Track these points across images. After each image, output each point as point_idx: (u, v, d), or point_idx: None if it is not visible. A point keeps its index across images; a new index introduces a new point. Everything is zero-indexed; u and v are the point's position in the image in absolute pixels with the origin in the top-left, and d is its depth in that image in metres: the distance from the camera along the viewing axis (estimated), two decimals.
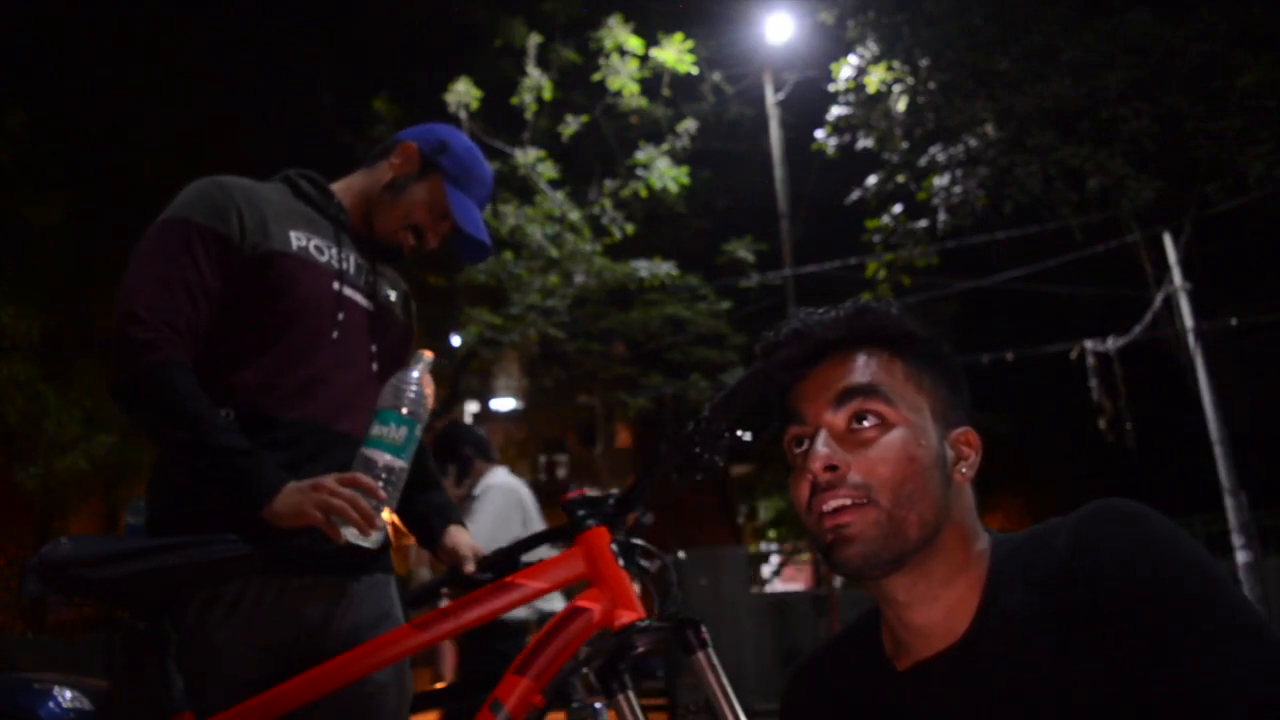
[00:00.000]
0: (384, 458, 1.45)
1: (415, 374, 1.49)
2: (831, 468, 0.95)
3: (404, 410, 1.46)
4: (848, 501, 0.95)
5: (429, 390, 1.49)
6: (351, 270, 1.70)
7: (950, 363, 1.04)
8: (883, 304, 1.04)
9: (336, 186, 1.79)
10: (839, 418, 0.98)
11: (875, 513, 0.94)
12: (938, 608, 0.95)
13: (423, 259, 12.24)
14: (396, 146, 1.79)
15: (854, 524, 0.94)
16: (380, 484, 1.44)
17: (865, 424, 0.97)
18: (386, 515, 1.46)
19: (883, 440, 0.96)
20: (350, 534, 1.43)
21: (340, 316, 1.64)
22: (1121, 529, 0.87)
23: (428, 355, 1.52)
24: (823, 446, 0.96)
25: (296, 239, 1.63)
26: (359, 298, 1.69)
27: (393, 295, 1.80)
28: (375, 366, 1.69)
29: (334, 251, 1.68)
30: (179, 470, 1.56)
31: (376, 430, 1.46)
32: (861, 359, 1.00)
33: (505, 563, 1.50)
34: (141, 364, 1.46)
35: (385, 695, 1.61)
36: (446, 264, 11.81)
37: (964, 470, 0.99)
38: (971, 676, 0.92)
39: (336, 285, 1.66)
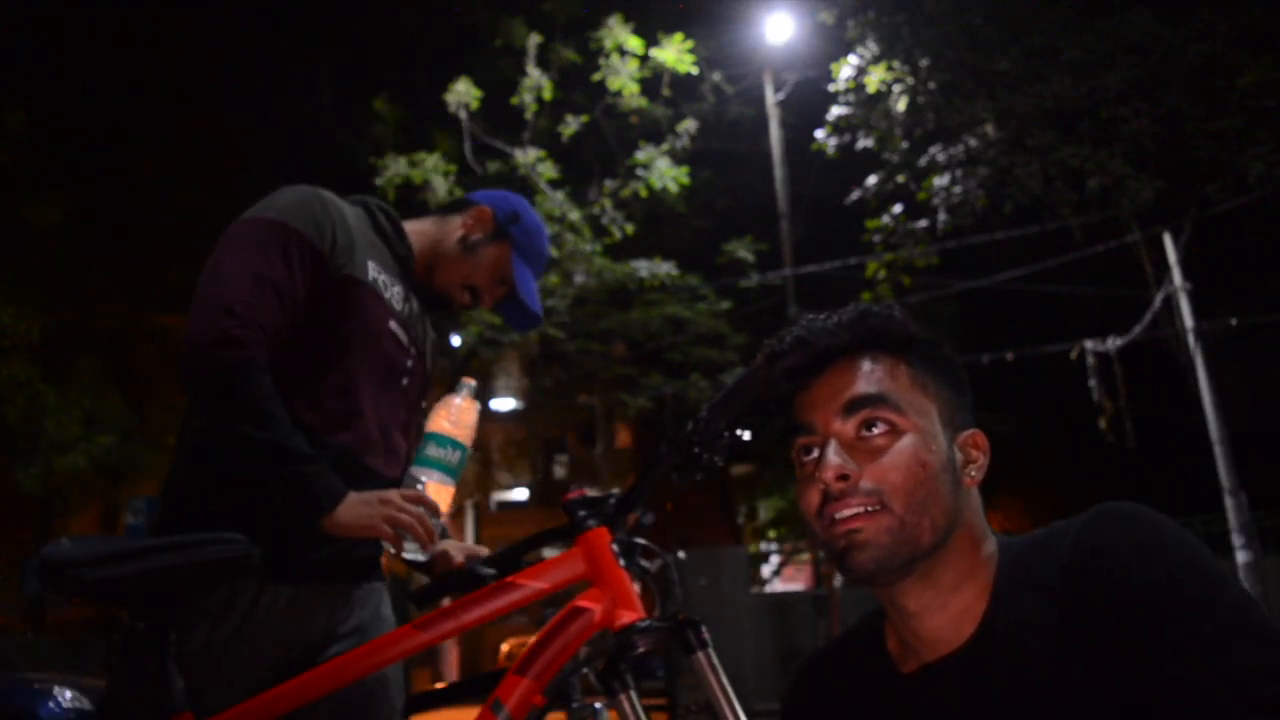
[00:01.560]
0: (435, 476, 1.52)
1: (461, 400, 1.55)
2: (844, 477, 0.95)
3: (459, 435, 1.54)
4: (861, 509, 0.95)
5: (474, 417, 1.56)
6: (406, 313, 1.71)
7: (953, 364, 1.03)
8: (884, 306, 1.02)
9: (407, 227, 1.80)
10: (848, 426, 0.97)
11: (889, 519, 0.94)
12: (947, 614, 0.95)
13: None
14: (471, 207, 1.82)
15: (866, 529, 0.94)
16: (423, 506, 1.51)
17: (875, 431, 0.96)
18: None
19: (894, 447, 0.95)
20: (411, 548, 1.48)
21: (393, 355, 1.67)
22: (1124, 532, 0.87)
23: (470, 382, 1.59)
24: (834, 455, 0.96)
25: (373, 269, 1.65)
26: (406, 341, 1.71)
27: (427, 344, 1.83)
28: (402, 411, 1.71)
29: (396, 290, 1.70)
30: (202, 472, 1.56)
31: (434, 452, 1.53)
32: (866, 365, 0.99)
33: (507, 563, 1.50)
34: (229, 359, 1.45)
35: (385, 689, 1.62)
36: None
37: (973, 473, 0.98)
38: (977, 681, 0.91)
39: (393, 324, 1.67)
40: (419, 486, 1.50)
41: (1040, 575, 0.91)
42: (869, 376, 0.99)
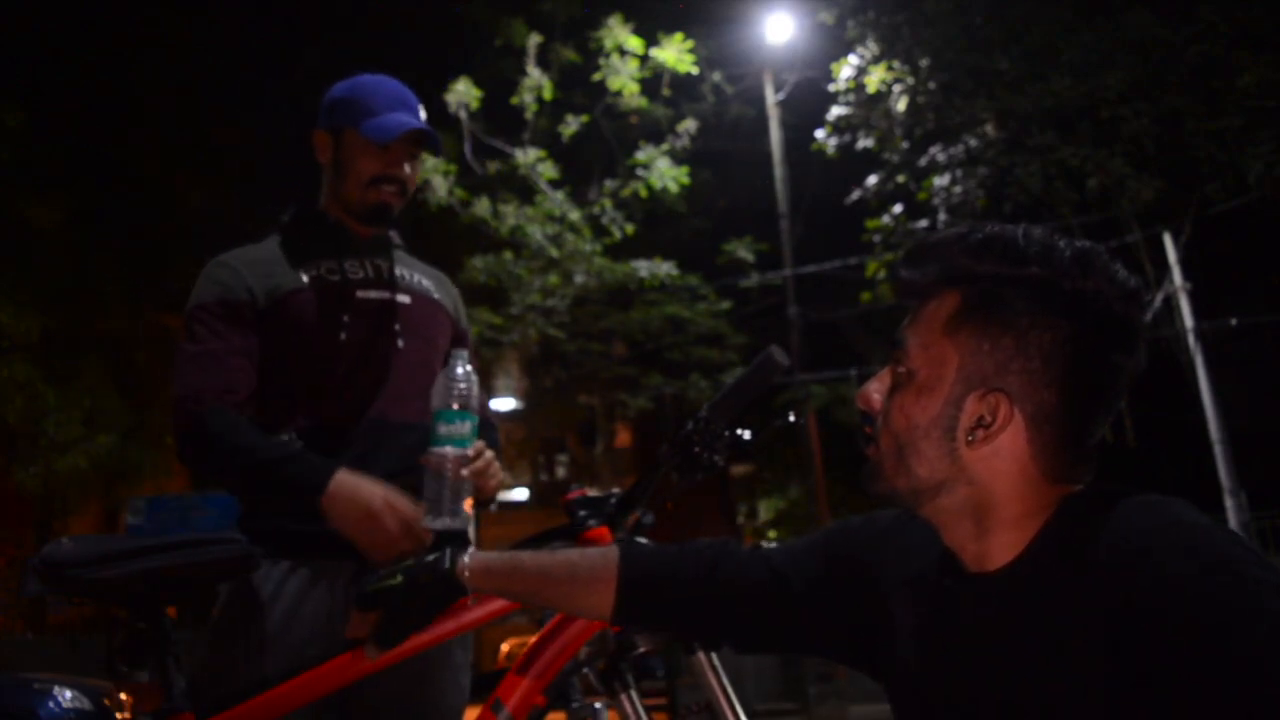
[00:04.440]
0: (452, 451, 1.53)
1: (459, 369, 1.56)
2: (871, 397, 1.00)
3: (458, 405, 1.55)
4: (869, 433, 1.00)
5: (475, 384, 1.58)
6: (371, 275, 1.77)
7: (1024, 312, 0.91)
8: (982, 234, 0.96)
9: (323, 203, 1.84)
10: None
11: (875, 453, 0.98)
12: (977, 548, 0.94)
13: (422, 259, 12.21)
14: (314, 144, 1.85)
15: (869, 458, 0.99)
16: (448, 478, 1.53)
17: (899, 369, 0.98)
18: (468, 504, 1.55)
19: (898, 387, 0.97)
20: (431, 520, 1.52)
21: (369, 323, 1.72)
22: (1167, 537, 0.81)
23: (462, 351, 1.59)
24: (872, 379, 1.01)
25: (305, 272, 1.73)
26: (390, 296, 1.77)
27: (425, 284, 1.86)
28: (402, 344, 1.75)
29: (347, 265, 1.76)
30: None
31: (443, 429, 1.53)
32: (929, 305, 0.97)
33: None
34: (188, 429, 1.59)
35: (430, 687, 1.64)
36: (446, 264, 11.80)
37: (973, 439, 0.92)
38: (999, 605, 0.91)
39: (362, 294, 1.74)
40: (447, 468, 1.53)
41: (1078, 549, 0.87)
42: (914, 317, 0.98)
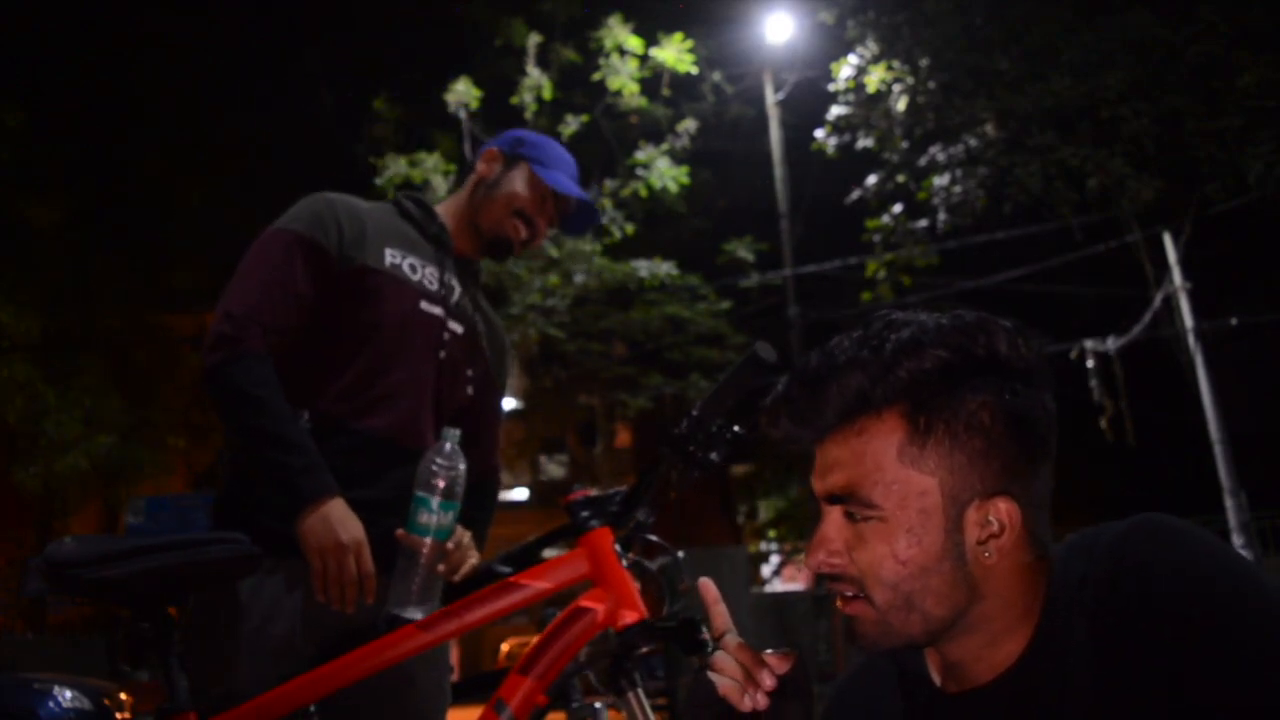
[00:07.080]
0: (427, 542, 1.50)
1: (448, 448, 1.52)
2: (831, 563, 0.90)
3: (443, 493, 1.51)
4: (849, 594, 0.89)
5: (463, 466, 1.53)
6: (441, 290, 1.78)
7: (997, 406, 0.86)
8: (910, 338, 0.86)
9: (439, 208, 1.88)
10: (836, 508, 0.90)
11: (872, 612, 0.88)
12: (990, 658, 0.89)
13: None
14: (480, 156, 1.90)
15: (857, 616, 0.89)
16: (421, 567, 1.50)
17: (857, 520, 0.88)
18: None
19: (874, 537, 0.87)
20: (393, 605, 1.50)
21: (424, 334, 1.72)
22: (1158, 550, 0.81)
23: (454, 431, 1.54)
24: (821, 541, 0.90)
25: (391, 256, 1.73)
26: (443, 314, 1.77)
27: (480, 324, 1.86)
28: (436, 387, 1.74)
29: (427, 270, 1.77)
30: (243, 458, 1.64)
31: (423, 518, 1.50)
32: (852, 444, 0.87)
33: (522, 561, 1.51)
34: (222, 355, 1.56)
35: (415, 689, 1.64)
36: None
37: (988, 555, 0.86)
38: (1020, 703, 0.87)
39: (424, 305, 1.74)
40: (419, 558, 1.49)
41: (1075, 591, 0.86)
42: (848, 461, 0.87)
